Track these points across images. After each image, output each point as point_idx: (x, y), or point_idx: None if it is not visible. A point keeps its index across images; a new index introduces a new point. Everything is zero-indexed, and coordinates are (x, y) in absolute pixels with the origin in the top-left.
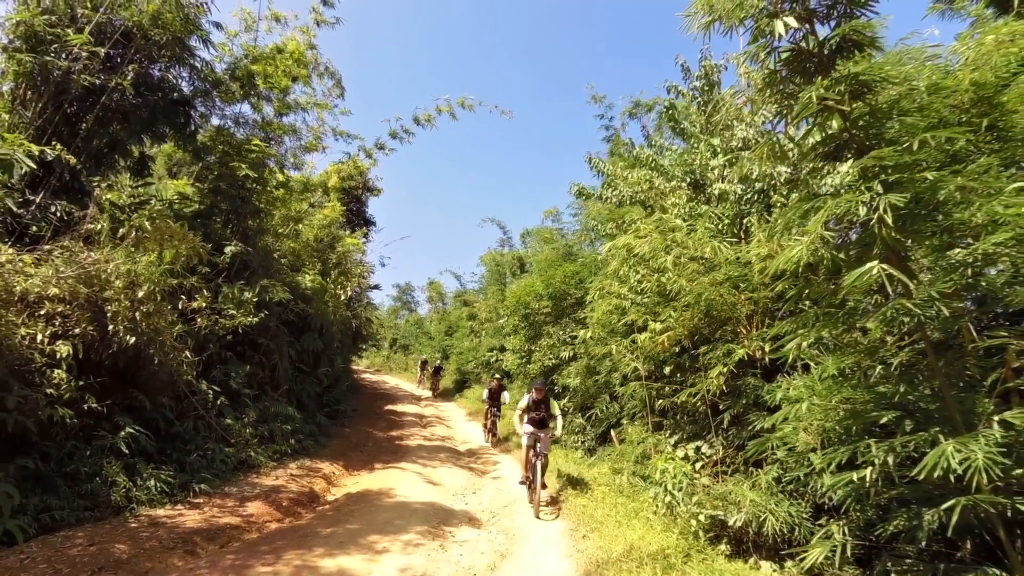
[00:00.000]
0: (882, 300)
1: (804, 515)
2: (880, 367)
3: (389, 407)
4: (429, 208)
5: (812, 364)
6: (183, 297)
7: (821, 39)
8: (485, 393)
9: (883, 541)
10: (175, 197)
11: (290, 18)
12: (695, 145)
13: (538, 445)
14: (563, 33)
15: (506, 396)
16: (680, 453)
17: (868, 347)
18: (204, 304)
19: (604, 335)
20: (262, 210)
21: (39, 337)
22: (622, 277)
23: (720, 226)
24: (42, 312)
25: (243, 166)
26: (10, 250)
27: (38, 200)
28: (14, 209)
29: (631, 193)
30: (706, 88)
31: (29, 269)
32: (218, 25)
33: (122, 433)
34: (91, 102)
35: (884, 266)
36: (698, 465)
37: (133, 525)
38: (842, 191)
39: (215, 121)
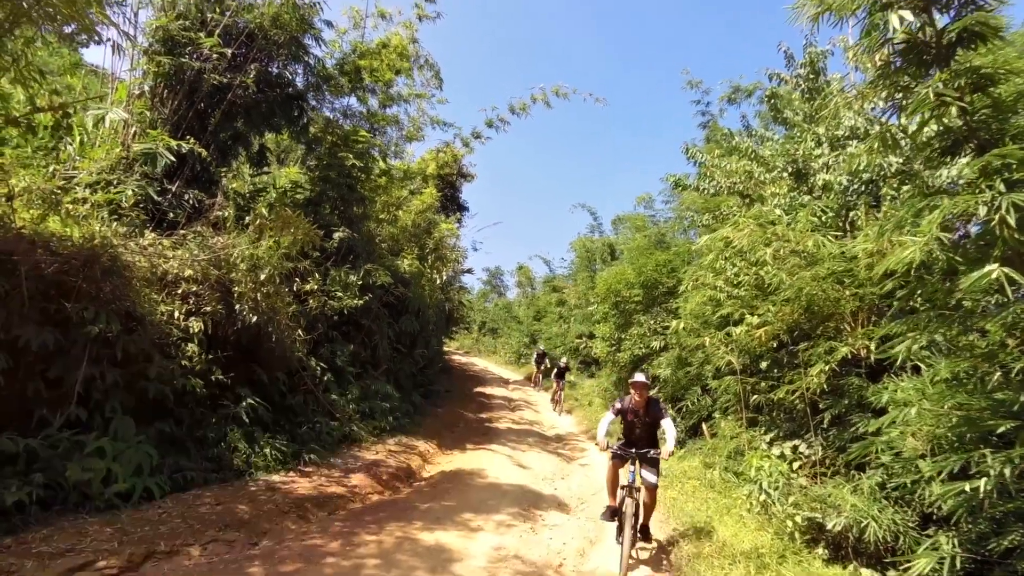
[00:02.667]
0: (1003, 300)
1: (910, 524)
2: (999, 372)
3: (478, 389)
4: (520, 193)
5: (923, 366)
6: (297, 280)
7: (940, 29)
8: (553, 370)
9: (996, 556)
10: (288, 185)
11: (394, 14)
12: (798, 134)
13: (634, 473)
14: (662, 15)
15: (569, 376)
16: (776, 451)
17: (986, 351)
18: (315, 286)
19: (697, 326)
20: (366, 197)
21: (176, 314)
22: (718, 269)
23: (824, 219)
24: (179, 291)
25: (350, 156)
26: (152, 235)
27: (174, 189)
28: (155, 197)
29: (728, 183)
30: (811, 75)
31: (168, 252)
32: (329, 23)
33: (243, 404)
34: (218, 99)
35: (1005, 269)
36: (795, 465)
37: (252, 488)
38: (959, 187)
39: (325, 113)
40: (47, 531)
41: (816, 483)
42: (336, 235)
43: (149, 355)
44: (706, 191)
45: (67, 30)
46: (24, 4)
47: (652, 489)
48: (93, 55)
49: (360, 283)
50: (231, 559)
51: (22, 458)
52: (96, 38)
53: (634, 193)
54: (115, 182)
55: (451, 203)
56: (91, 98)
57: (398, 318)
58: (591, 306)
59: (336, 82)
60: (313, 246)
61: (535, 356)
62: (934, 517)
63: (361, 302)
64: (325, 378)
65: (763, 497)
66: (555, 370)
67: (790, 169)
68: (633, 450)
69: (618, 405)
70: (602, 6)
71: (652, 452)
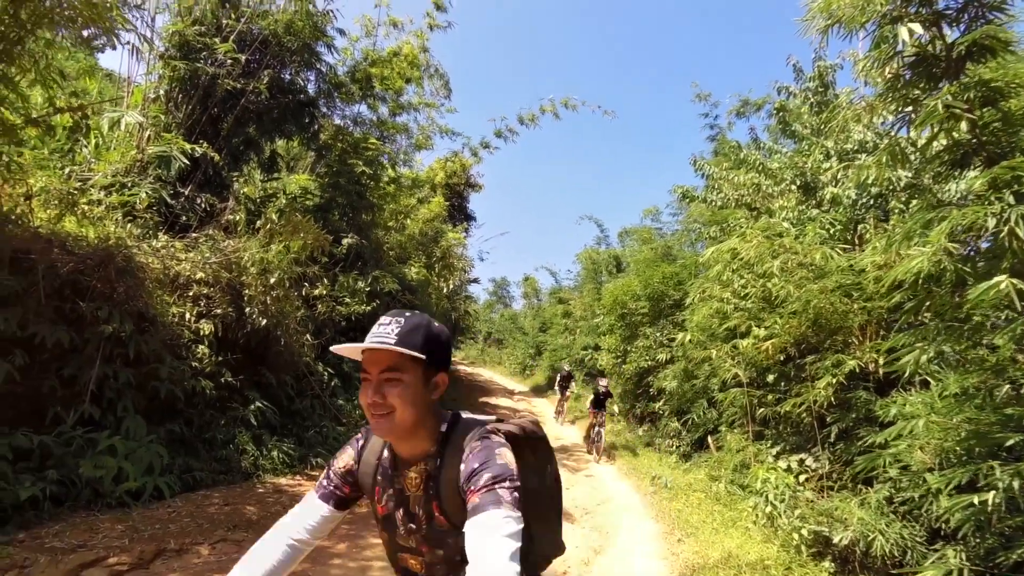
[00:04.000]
0: (1014, 315)
1: (918, 538)
2: (1008, 387)
3: (484, 399)
4: (527, 204)
5: (931, 380)
6: (306, 284)
7: (950, 43)
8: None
9: (1005, 570)
10: (298, 191)
11: (406, 23)
12: (806, 147)
13: None
14: (669, 30)
15: (573, 386)
16: (782, 464)
17: (996, 365)
18: (324, 292)
19: (704, 339)
20: (375, 204)
21: (187, 315)
22: (725, 281)
23: (832, 232)
24: (190, 293)
25: (360, 163)
26: (165, 237)
27: (187, 193)
28: (168, 200)
29: (736, 195)
30: (820, 88)
31: (180, 254)
32: (342, 31)
33: (251, 406)
34: (232, 104)
35: (1014, 280)
36: (802, 478)
37: (260, 491)
38: (969, 199)
39: (336, 120)
40: (59, 527)
41: (823, 497)
42: (345, 241)
43: (161, 356)
44: (714, 203)
45: (85, 33)
46: (46, 5)
47: None
48: (106, 60)
49: (368, 289)
50: (239, 559)
51: (36, 454)
52: (115, 41)
53: (640, 206)
54: (129, 184)
55: (459, 212)
56: (108, 101)
57: None
58: (597, 318)
59: (347, 89)
60: (322, 251)
61: (559, 380)
62: (942, 532)
63: (369, 308)
64: (332, 383)
65: (769, 509)
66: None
67: (798, 182)
68: None
69: None
70: (612, 20)
71: None
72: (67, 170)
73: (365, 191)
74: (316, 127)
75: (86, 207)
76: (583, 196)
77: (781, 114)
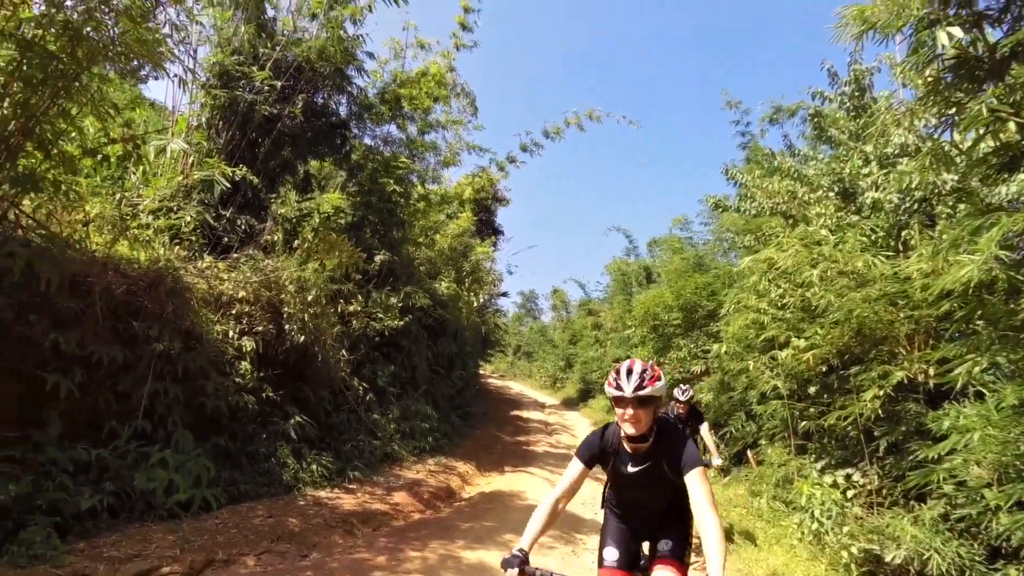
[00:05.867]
0: None
1: (976, 557)
2: None
3: (514, 412)
4: (554, 216)
5: (986, 392)
6: (341, 301)
7: (992, 44)
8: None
9: None
10: (331, 210)
11: (433, 44)
12: (844, 153)
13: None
14: (695, 40)
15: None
16: (828, 479)
17: None
18: (358, 308)
19: (740, 350)
20: (405, 221)
21: (230, 333)
22: (761, 291)
23: (874, 238)
24: (233, 311)
25: (391, 181)
26: (209, 258)
27: (228, 215)
28: (211, 223)
29: (771, 204)
30: (856, 93)
31: (223, 274)
32: (371, 55)
33: (291, 421)
34: (268, 128)
35: None
36: (849, 493)
37: (301, 503)
38: (1020, 203)
39: (367, 140)
40: (116, 537)
41: (872, 513)
42: (377, 258)
43: (207, 372)
44: (747, 212)
45: (134, 65)
46: (101, 43)
47: None
48: (150, 90)
49: (400, 305)
50: (284, 569)
51: (94, 467)
52: (162, 73)
53: (669, 216)
54: (175, 208)
55: (486, 227)
56: (157, 131)
57: (436, 340)
58: (628, 330)
59: (377, 110)
60: (356, 268)
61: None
62: (1003, 550)
63: (401, 323)
64: (367, 397)
65: (815, 526)
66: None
67: (836, 188)
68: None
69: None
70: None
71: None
72: (118, 196)
73: (396, 208)
74: (348, 148)
75: (136, 231)
76: (610, 207)
77: (817, 120)
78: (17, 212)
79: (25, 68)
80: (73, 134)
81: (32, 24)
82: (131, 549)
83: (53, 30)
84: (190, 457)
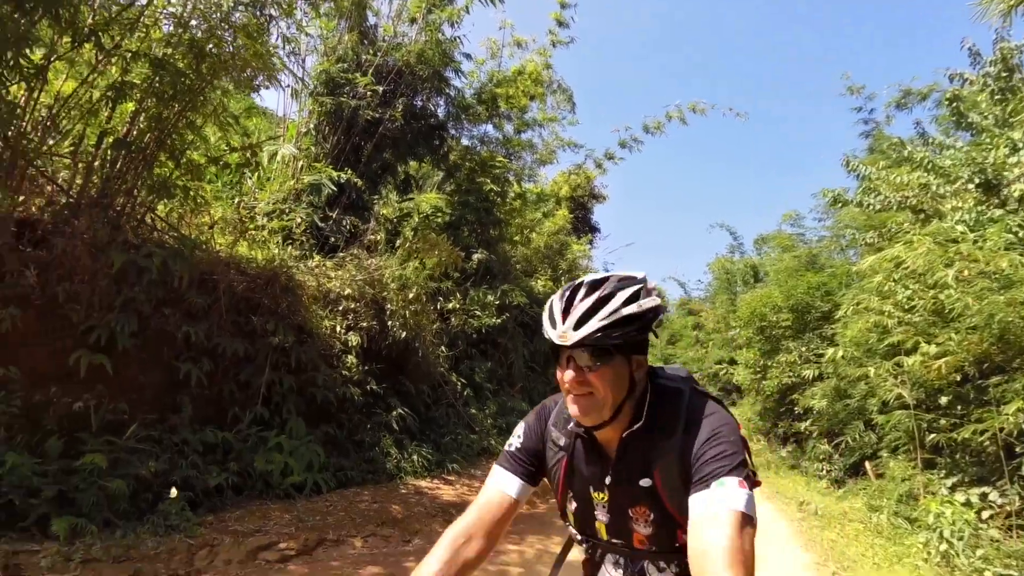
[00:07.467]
0: None
1: None
2: None
3: None
4: (653, 213)
5: None
6: (440, 299)
7: None
8: None
9: None
10: (430, 210)
11: (529, 42)
12: (987, 140)
13: None
14: (813, 24)
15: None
16: (960, 498)
17: None
18: (456, 305)
19: (859, 355)
20: (502, 220)
21: (337, 328)
22: (885, 292)
23: (1021, 235)
24: (339, 308)
25: (488, 181)
26: (318, 257)
27: (334, 216)
28: (319, 224)
29: (898, 197)
30: (1003, 74)
31: (331, 273)
32: (468, 56)
33: (393, 413)
34: (371, 132)
35: None
36: (985, 514)
37: (403, 491)
38: None
39: (464, 141)
40: (239, 512)
41: (1011, 536)
42: (475, 256)
43: (317, 364)
44: (870, 206)
45: (248, 75)
46: (222, 59)
47: None
48: (262, 99)
49: (497, 303)
50: (388, 552)
51: (220, 449)
52: (277, 83)
53: (775, 211)
54: (287, 210)
55: (583, 224)
56: (272, 138)
57: (532, 338)
58: (732, 330)
59: (474, 111)
60: (454, 267)
61: None
62: None
63: (498, 321)
64: (465, 393)
65: (944, 547)
66: None
67: (977, 180)
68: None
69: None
70: (741, 14)
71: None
72: (237, 200)
73: (493, 207)
74: (445, 149)
75: (254, 232)
76: (713, 202)
77: (954, 104)
78: (153, 216)
79: (157, 85)
80: (199, 144)
81: (162, 44)
82: (252, 524)
83: (180, 48)
84: (303, 443)
